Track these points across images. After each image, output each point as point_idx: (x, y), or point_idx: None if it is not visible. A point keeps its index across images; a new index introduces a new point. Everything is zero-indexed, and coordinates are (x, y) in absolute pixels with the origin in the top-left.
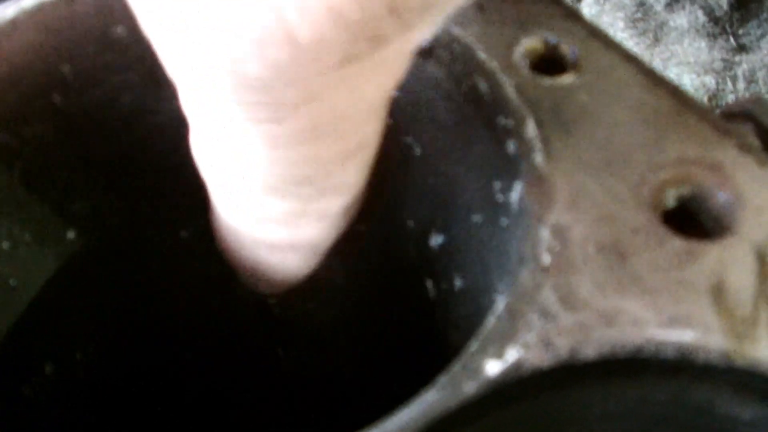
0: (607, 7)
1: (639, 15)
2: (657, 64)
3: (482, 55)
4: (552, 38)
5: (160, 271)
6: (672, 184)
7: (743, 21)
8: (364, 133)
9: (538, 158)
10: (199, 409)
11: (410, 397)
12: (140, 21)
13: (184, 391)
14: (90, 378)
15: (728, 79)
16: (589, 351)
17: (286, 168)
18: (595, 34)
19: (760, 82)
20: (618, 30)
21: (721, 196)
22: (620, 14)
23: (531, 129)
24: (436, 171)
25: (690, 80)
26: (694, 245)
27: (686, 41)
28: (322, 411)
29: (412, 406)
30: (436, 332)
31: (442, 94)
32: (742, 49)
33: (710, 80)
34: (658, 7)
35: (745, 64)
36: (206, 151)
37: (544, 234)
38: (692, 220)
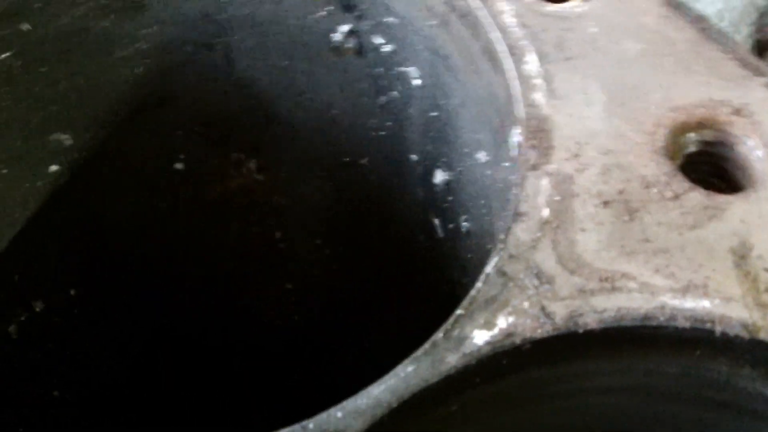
0: None
1: None
2: None
3: None
4: None
5: (156, 200)
6: (692, 128)
7: None
8: None
9: (539, 97)
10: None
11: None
12: None
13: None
14: (85, 315)
15: None
16: (591, 320)
17: None
18: None
19: None
20: None
21: (748, 143)
22: None
23: (532, 63)
24: (435, 104)
25: None
26: (716, 199)
27: None
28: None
29: (385, 380)
30: (444, 273)
31: (439, 19)
32: None
33: None
34: None
35: None
36: None
37: (544, 184)
38: (714, 171)
